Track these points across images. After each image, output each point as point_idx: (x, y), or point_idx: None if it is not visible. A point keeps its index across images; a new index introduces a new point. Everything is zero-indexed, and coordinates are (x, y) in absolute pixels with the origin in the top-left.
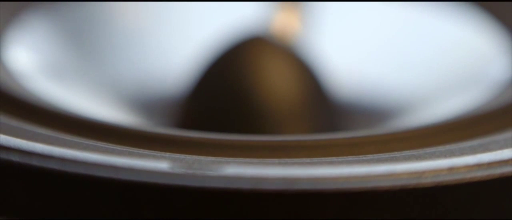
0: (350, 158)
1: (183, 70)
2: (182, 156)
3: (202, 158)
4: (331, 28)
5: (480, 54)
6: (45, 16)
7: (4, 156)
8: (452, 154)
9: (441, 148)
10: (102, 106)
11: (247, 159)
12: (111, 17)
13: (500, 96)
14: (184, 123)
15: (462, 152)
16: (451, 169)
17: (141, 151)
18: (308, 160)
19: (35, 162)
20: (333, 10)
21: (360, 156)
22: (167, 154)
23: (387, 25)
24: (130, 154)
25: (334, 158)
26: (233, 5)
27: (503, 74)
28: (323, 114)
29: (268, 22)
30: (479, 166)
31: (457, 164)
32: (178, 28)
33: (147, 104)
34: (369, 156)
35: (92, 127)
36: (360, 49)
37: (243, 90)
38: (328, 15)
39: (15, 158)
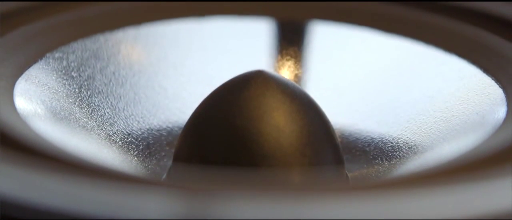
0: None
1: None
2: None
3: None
4: (319, 78)
5: (474, 101)
6: (55, 67)
7: None
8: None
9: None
10: (110, 150)
11: (259, 206)
12: (122, 68)
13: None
14: (184, 158)
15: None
16: None
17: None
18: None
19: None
20: (320, 58)
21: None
22: (172, 201)
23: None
24: (131, 203)
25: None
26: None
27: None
28: (328, 151)
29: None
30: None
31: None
32: (188, 79)
33: (156, 148)
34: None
35: (94, 171)
36: (346, 99)
37: (244, 126)
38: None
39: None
